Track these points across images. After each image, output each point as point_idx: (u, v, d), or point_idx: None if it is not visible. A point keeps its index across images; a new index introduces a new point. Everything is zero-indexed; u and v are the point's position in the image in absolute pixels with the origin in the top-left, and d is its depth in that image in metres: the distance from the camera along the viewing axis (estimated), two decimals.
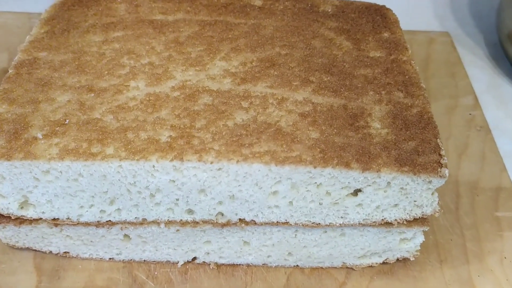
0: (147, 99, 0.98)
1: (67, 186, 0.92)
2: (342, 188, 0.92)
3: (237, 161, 0.88)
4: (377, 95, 1.03)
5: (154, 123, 0.93)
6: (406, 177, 0.89)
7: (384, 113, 0.99)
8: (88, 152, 0.88)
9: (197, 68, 1.05)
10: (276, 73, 1.05)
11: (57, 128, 0.92)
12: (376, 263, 1.11)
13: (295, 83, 1.03)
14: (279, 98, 0.99)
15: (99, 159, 0.88)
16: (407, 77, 1.08)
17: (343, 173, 0.89)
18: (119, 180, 0.90)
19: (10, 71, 1.04)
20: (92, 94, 0.99)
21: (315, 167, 0.88)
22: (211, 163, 0.88)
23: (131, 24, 1.16)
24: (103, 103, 0.97)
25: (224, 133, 0.92)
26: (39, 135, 0.90)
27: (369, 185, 0.91)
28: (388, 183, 0.91)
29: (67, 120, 0.93)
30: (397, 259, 1.10)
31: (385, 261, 1.10)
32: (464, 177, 1.31)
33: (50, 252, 1.10)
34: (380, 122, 0.97)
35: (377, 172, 0.89)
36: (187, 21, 1.19)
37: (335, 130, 0.94)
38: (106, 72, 1.03)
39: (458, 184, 1.29)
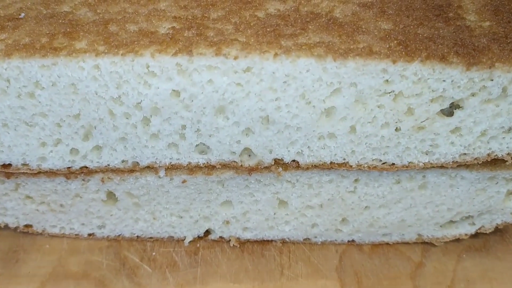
0: None
1: (18, 106, 0.61)
2: (431, 100, 0.61)
3: (275, 55, 0.57)
4: None
5: (148, 14, 0.64)
6: None
7: (479, 6, 0.68)
8: (49, 47, 0.58)
9: None
10: None
11: (6, 24, 0.62)
12: (466, 235, 0.78)
13: None
14: None
15: (65, 54, 0.57)
16: None
17: (437, 73, 0.58)
18: (96, 93, 0.60)
19: None
20: None
21: (394, 62, 0.58)
22: (235, 58, 0.57)
23: None
24: None
25: (252, 23, 0.62)
26: None
27: (474, 95, 0.60)
28: (504, 89, 0.60)
29: (23, 14, 0.64)
30: (496, 227, 0.78)
31: (478, 231, 0.78)
32: None
33: (6, 225, 0.78)
34: (477, 15, 0.66)
35: (490, 68, 0.58)
36: None
37: (415, 22, 0.64)
38: None
39: None
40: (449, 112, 0.63)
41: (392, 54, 0.58)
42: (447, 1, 0.69)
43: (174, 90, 0.60)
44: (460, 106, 0.62)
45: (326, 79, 0.59)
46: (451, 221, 0.77)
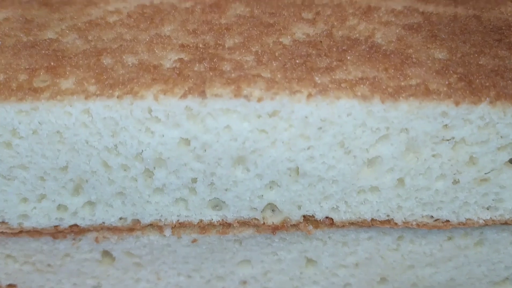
0: (140, 11, 0.58)
1: None
2: (499, 148, 0.50)
3: (309, 95, 0.46)
4: None
5: (150, 42, 0.52)
6: None
7: None
8: (28, 87, 0.47)
9: None
10: None
11: None
12: None
13: None
14: (363, 6, 0.59)
15: (47, 97, 0.46)
16: None
17: (509, 115, 0.47)
18: (86, 142, 0.49)
19: None
20: (47, 9, 0.58)
21: (457, 104, 0.46)
22: (259, 100, 0.46)
23: None
24: (64, 19, 0.57)
25: (277, 53, 0.51)
26: None
27: None
28: None
29: None
30: None
31: None
32: None
33: None
34: None
35: None
36: None
37: (474, 49, 0.52)
38: None
39: None
40: None
41: (454, 94, 0.47)
42: (506, 22, 0.58)
43: (182, 138, 0.49)
44: None
45: (371, 124, 0.48)
46: (507, 278, 0.65)
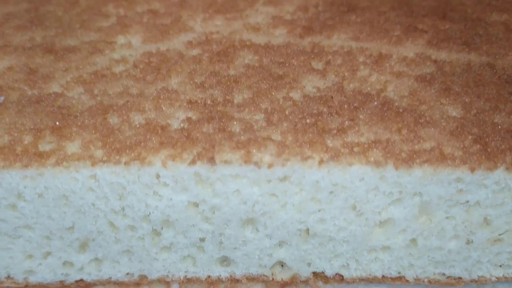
0: (146, 60, 0.56)
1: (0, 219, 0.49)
2: None
3: (320, 162, 0.45)
4: None
5: (157, 97, 0.51)
6: None
7: None
8: (33, 152, 0.46)
9: (228, 16, 0.64)
10: (359, 19, 0.63)
11: None
12: None
13: (395, 33, 0.61)
14: (374, 54, 0.57)
15: (53, 163, 0.45)
16: None
17: None
18: (93, 204, 0.48)
19: None
20: (52, 57, 0.57)
21: (473, 171, 0.45)
22: (269, 166, 0.45)
23: None
24: (69, 69, 0.55)
25: (288, 111, 0.49)
26: None
27: None
28: None
29: (2, 97, 0.51)
30: None
31: None
32: None
33: None
34: None
35: None
36: None
37: (489, 104, 0.51)
38: (77, 25, 0.62)
39: None
40: None
41: (469, 159, 0.46)
42: None
43: (191, 202, 0.48)
44: None
45: (384, 188, 0.47)
46: None
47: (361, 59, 0.57)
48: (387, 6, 0.66)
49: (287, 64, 0.55)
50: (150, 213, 0.48)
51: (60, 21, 0.63)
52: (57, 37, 0.60)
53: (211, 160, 0.45)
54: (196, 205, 0.48)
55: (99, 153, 0.46)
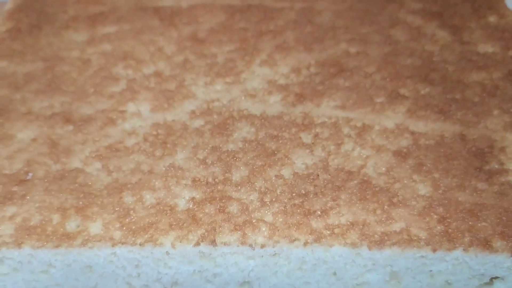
0: (154, 133, 0.63)
1: (33, 280, 0.58)
2: (471, 277, 0.57)
3: (305, 244, 0.53)
4: (506, 114, 0.67)
5: (166, 175, 0.59)
6: None
7: None
8: (61, 232, 0.54)
9: (227, 79, 0.70)
10: (347, 84, 0.69)
11: (13, 189, 0.58)
12: None
13: (379, 100, 0.67)
14: (358, 125, 0.64)
15: (79, 244, 0.54)
16: None
17: (480, 258, 0.54)
18: (113, 272, 0.56)
19: None
20: (70, 127, 0.64)
21: (434, 251, 0.53)
22: (262, 247, 0.53)
23: (128, 14, 0.81)
24: (87, 141, 0.63)
25: (279, 191, 0.57)
26: None
27: None
28: None
29: (30, 174, 0.59)
30: None
31: None
32: None
33: None
34: None
35: None
36: (208, 6, 0.83)
37: (456, 180, 0.59)
38: (91, 89, 0.69)
39: None
40: (489, 281, 0.59)
41: (432, 240, 0.54)
42: (489, 141, 0.63)
43: (196, 271, 0.56)
44: (501, 277, 0.58)
45: (360, 262, 0.55)
46: None
47: (346, 131, 0.63)
48: (374, 66, 0.72)
49: (279, 138, 0.62)
50: (161, 277, 0.57)
51: (75, 84, 0.69)
52: (73, 104, 0.67)
53: (213, 243, 0.53)
54: (200, 272, 0.57)
55: (117, 234, 0.54)
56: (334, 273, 0.57)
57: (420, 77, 0.71)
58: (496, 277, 0.58)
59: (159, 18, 0.80)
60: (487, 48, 0.77)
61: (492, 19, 0.84)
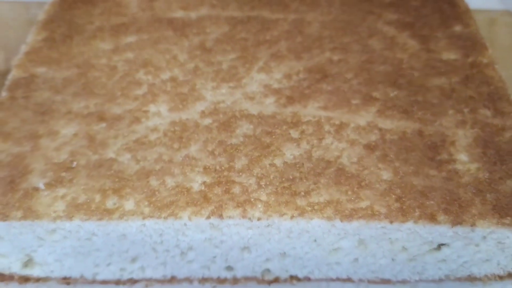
0: (172, 129, 0.78)
1: (78, 246, 0.74)
2: (422, 243, 0.73)
3: (292, 217, 0.69)
4: (459, 114, 0.82)
5: (182, 164, 0.74)
6: (507, 230, 0.70)
7: (470, 140, 0.78)
8: (103, 208, 0.70)
9: (230, 84, 0.85)
10: (329, 88, 0.84)
11: (62, 174, 0.73)
12: None
13: (354, 102, 0.82)
14: (336, 123, 0.79)
15: (117, 217, 0.69)
16: (492, 87, 0.86)
17: (427, 228, 0.69)
18: (142, 239, 0.72)
19: (3, 94, 0.84)
20: (104, 124, 0.79)
21: (391, 222, 0.69)
22: (259, 219, 0.69)
23: (146, 25, 0.95)
24: (118, 136, 0.78)
25: (272, 176, 0.72)
26: (41, 185, 0.71)
27: (458, 240, 0.72)
28: (484, 237, 0.71)
29: (75, 163, 0.74)
30: None
31: None
32: None
33: None
34: (467, 153, 0.76)
35: (471, 226, 0.69)
36: (214, 18, 0.97)
37: (412, 168, 0.74)
38: (119, 92, 0.84)
39: None
40: (437, 247, 0.75)
41: (390, 215, 0.69)
42: (442, 137, 0.78)
43: (207, 238, 0.72)
44: (447, 244, 0.74)
45: (334, 231, 0.70)
46: None
47: (326, 128, 0.78)
48: (352, 73, 0.87)
49: (273, 134, 0.77)
50: (179, 243, 0.73)
51: (105, 88, 0.84)
52: (105, 105, 0.82)
53: (220, 216, 0.69)
54: (210, 239, 0.72)
55: (146, 210, 0.69)
56: (315, 240, 0.72)
57: (390, 82, 0.85)
58: (443, 244, 0.74)
59: (172, 29, 0.95)
60: (449, 55, 0.92)
61: (457, 28, 0.98)
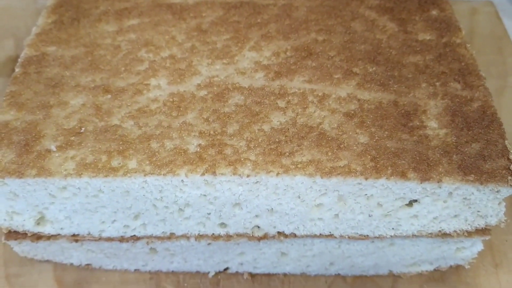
0: (171, 100, 0.87)
1: (86, 202, 0.82)
2: (395, 199, 0.81)
3: (277, 174, 0.77)
4: (431, 87, 0.90)
5: (180, 129, 0.82)
6: (471, 187, 0.78)
7: (440, 109, 0.86)
8: (108, 167, 0.78)
9: (224, 61, 0.93)
10: (314, 64, 0.93)
11: (72, 138, 0.81)
12: (427, 271, 1.01)
13: (336, 76, 0.90)
14: (319, 95, 0.87)
15: (121, 174, 0.77)
16: (463, 64, 0.94)
17: (398, 184, 0.78)
18: (143, 195, 0.80)
19: (16, 70, 0.93)
20: (109, 96, 0.87)
21: (366, 179, 0.77)
22: (248, 176, 0.77)
23: (147, 10, 1.04)
24: (122, 106, 0.86)
25: (260, 139, 0.81)
26: (53, 147, 0.80)
27: (427, 196, 0.80)
28: (450, 193, 0.79)
29: (83, 128, 0.83)
30: (450, 266, 1.00)
31: (436, 269, 1.00)
32: None
33: (71, 264, 1.02)
34: (437, 121, 0.84)
35: (438, 182, 0.77)
36: (209, 3, 1.05)
37: (387, 133, 0.82)
38: (123, 68, 0.92)
39: None
40: (409, 204, 0.83)
41: (365, 172, 0.77)
42: (415, 107, 0.86)
43: (202, 194, 0.80)
44: (417, 201, 0.82)
45: (316, 187, 0.79)
46: (415, 263, 0.99)
47: (310, 98, 0.87)
48: (335, 51, 0.95)
49: (261, 104, 0.86)
50: (177, 200, 0.81)
51: (110, 64, 0.92)
52: (110, 79, 0.90)
53: (214, 173, 0.77)
54: (204, 196, 0.81)
55: (148, 168, 0.78)
56: (299, 197, 0.80)
57: (369, 59, 0.94)
58: (414, 200, 0.83)
59: (171, 13, 1.03)
60: (425, 36, 1.00)
61: (434, 12, 1.07)
